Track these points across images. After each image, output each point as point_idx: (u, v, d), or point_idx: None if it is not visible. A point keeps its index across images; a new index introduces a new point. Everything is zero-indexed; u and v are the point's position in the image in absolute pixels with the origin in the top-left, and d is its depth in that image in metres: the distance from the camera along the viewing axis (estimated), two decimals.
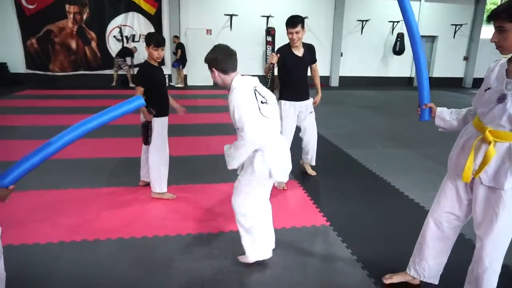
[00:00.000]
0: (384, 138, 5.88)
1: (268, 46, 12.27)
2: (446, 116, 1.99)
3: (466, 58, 14.36)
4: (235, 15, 12.15)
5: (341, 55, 13.31)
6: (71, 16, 11.50)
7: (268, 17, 12.24)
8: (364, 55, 13.53)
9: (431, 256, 2.05)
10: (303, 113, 3.73)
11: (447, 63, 14.22)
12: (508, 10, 1.55)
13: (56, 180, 3.70)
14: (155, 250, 2.54)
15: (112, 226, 2.83)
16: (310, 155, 3.93)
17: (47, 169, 4.07)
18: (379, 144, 5.46)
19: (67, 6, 11.37)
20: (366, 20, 13.01)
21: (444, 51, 14.07)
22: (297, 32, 3.42)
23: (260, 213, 2.29)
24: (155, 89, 3.11)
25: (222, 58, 2.12)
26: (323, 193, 3.62)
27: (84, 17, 11.60)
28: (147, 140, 3.17)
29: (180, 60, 11.65)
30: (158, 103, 3.12)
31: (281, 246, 2.56)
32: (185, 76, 12.22)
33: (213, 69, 2.12)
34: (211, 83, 12.35)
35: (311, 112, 3.78)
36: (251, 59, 12.40)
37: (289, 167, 2.25)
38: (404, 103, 9.90)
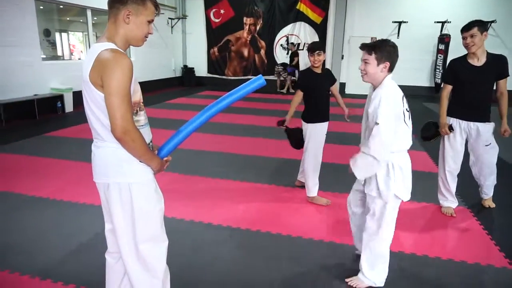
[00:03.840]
0: None
1: (439, 55, 11.07)
2: None
3: None
4: (405, 22, 11.40)
5: None
6: (247, 27, 12.93)
7: (443, 23, 11.03)
8: None
9: None
10: (472, 137, 3.13)
11: None
12: None
13: (221, 171, 4.23)
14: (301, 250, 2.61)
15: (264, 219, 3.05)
16: (485, 189, 3.36)
17: (213, 160, 4.68)
18: None
19: (244, 18, 12.84)
20: None
21: None
22: (472, 36, 2.90)
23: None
24: (312, 94, 3.27)
25: (396, 56, 2.04)
26: (506, 231, 3.03)
27: (257, 27, 12.86)
28: (298, 145, 3.43)
29: (295, 67, 11.78)
30: (313, 107, 3.26)
31: (446, 281, 2.27)
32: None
33: (386, 62, 1.99)
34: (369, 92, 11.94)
35: (488, 144, 3.11)
36: (415, 69, 11.44)
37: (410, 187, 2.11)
38: None
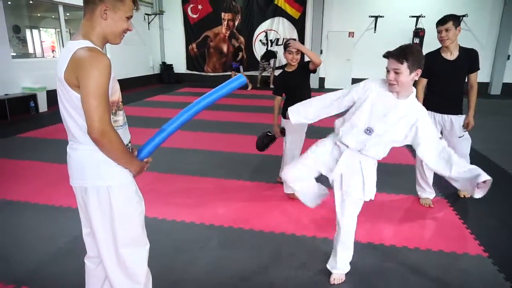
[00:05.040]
0: None
1: None
2: None
3: None
4: (381, 16, 11.57)
5: (508, 58, 11.29)
6: (225, 23, 12.82)
7: (418, 17, 11.26)
8: None
9: None
10: (447, 129, 3.21)
11: None
12: None
13: (202, 168, 4.19)
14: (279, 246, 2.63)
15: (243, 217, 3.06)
16: None
17: (193, 158, 4.64)
18: None
19: (223, 14, 12.73)
20: None
21: None
22: (447, 30, 2.97)
23: None
24: (289, 93, 3.30)
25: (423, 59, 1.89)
26: (479, 219, 3.14)
27: (236, 23, 12.78)
28: (262, 148, 3.48)
29: (240, 62, 12.14)
30: (291, 103, 3.19)
31: (425, 270, 2.33)
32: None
33: (419, 70, 1.85)
34: (347, 87, 12.11)
35: (461, 136, 3.20)
36: None
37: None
38: None
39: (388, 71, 1.86)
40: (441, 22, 3.03)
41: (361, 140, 1.96)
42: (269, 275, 2.31)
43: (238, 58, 12.22)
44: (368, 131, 1.93)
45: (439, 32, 3.05)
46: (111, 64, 1.38)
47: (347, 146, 2.00)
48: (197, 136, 5.66)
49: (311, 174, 2.18)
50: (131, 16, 1.48)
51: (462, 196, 3.50)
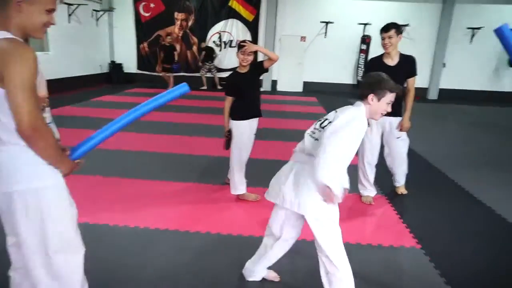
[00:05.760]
0: (491, 160, 5.22)
1: (361, 54, 11.87)
2: None
3: None
4: (331, 22, 12.01)
5: (444, 66, 12.22)
6: (179, 22, 12.61)
7: (365, 24, 11.85)
8: (472, 66, 12.21)
9: None
10: (386, 130, 3.42)
11: None
12: None
13: (148, 171, 4.08)
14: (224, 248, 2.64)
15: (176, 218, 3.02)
16: (397, 177, 3.68)
17: (138, 161, 4.51)
18: (484, 167, 4.86)
19: (176, 13, 12.50)
20: (478, 28, 11.73)
21: None
22: (390, 37, 3.20)
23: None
24: (239, 95, 3.23)
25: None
26: (414, 214, 3.36)
27: (189, 23, 12.62)
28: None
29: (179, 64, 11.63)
30: (239, 105, 3.22)
31: (365, 262, 2.45)
32: (261, 81, 12.36)
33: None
34: (300, 89, 12.45)
35: (399, 137, 3.41)
36: (341, 67, 12.20)
37: (275, 188, 1.96)
38: None
39: None
40: (385, 29, 3.24)
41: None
42: (217, 277, 2.30)
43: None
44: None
45: (382, 38, 3.27)
46: (36, 56, 1.30)
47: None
48: (144, 137, 5.48)
49: None
50: (53, 9, 1.40)
51: (400, 193, 3.73)
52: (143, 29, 12.70)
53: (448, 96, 12.15)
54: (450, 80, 12.31)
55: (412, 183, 3.83)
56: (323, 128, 1.82)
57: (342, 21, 12.01)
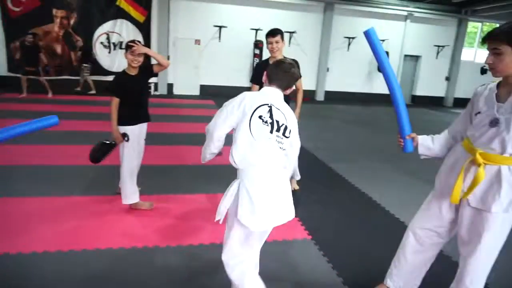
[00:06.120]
0: (367, 152, 5.94)
1: (255, 58, 12.36)
2: (430, 144, 2.00)
3: (447, 79, 14.78)
4: (224, 26, 12.22)
5: (327, 70, 13.51)
6: (58, 20, 11.35)
7: (257, 30, 12.36)
8: (350, 71, 13.78)
9: (408, 268, 2.06)
10: None
11: (429, 83, 14.60)
12: (507, 33, 1.56)
13: (23, 187, 3.57)
14: (123, 262, 2.46)
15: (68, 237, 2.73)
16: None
17: (10, 176, 3.95)
18: (362, 159, 5.50)
19: (54, 10, 11.23)
20: (353, 38, 13.27)
21: (427, 71, 14.45)
22: (276, 42, 3.42)
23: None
24: (125, 98, 3.00)
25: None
26: (306, 207, 3.60)
27: (71, 22, 11.47)
28: (98, 159, 3.05)
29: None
30: (126, 109, 3.02)
31: (261, 259, 2.51)
32: (156, 84, 12.03)
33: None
34: (197, 93, 12.38)
35: None
36: (237, 71, 12.50)
37: (264, 216, 1.79)
38: (388, 119, 10.07)
39: None
40: (272, 34, 3.43)
41: None
42: None
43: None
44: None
45: (270, 43, 3.45)
46: None
47: None
48: (17, 150, 4.75)
49: None
50: None
51: (293, 189, 3.95)
52: (13, 26, 11.07)
53: (333, 97, 13.49)
54: (334, 83, 13.67)
55: (302, 178, 4.09)
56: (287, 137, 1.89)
57: (235, 26, 12.32)
